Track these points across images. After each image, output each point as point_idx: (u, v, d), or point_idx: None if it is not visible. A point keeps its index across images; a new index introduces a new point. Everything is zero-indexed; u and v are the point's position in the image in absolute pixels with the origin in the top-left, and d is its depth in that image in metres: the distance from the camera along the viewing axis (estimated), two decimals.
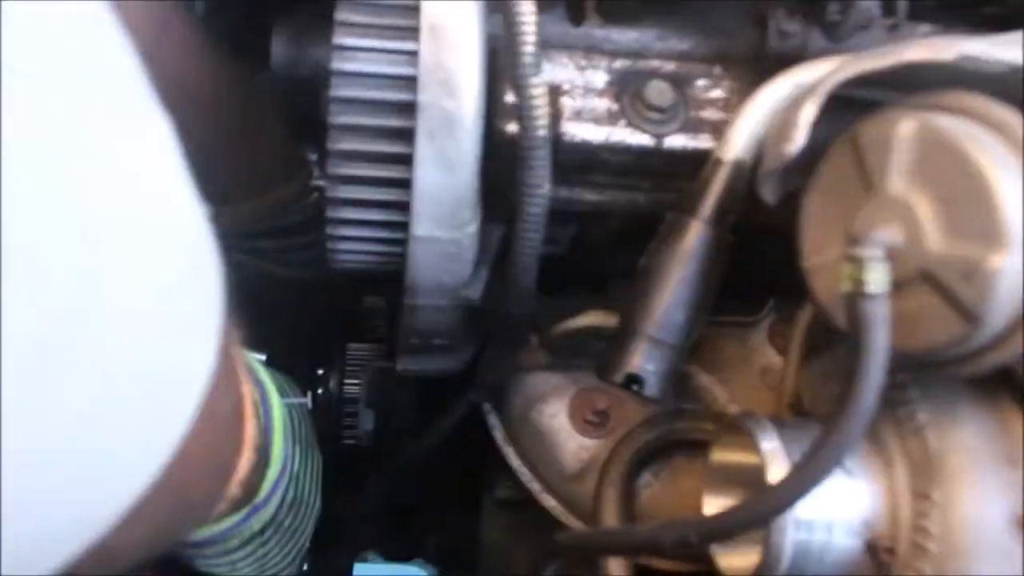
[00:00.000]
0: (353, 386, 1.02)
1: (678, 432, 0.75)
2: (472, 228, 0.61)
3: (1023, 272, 0.45)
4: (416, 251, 0.60)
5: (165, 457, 0.38)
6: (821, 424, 0.59)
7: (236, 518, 0.64)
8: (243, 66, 0.78)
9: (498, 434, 0.83)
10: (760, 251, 0.68)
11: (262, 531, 0.69)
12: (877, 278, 0.46)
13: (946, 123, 0.48)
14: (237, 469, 0.57)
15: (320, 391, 1.03)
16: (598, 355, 0.79)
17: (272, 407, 0.66)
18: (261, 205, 0.82)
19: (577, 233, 0.72)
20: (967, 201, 0.45)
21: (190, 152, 0.37)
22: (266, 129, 0.84)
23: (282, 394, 0.70)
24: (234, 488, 0.58)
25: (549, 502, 0.82)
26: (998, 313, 0.46)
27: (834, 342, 0.68)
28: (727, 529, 0.49)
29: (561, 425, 0.79)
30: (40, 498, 0.32)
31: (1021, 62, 0.49)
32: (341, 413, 1.02)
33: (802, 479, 0.47)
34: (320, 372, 1.02)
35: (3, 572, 0.31)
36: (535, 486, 0.82)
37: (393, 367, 0.74)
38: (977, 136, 0.47)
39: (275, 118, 0.84)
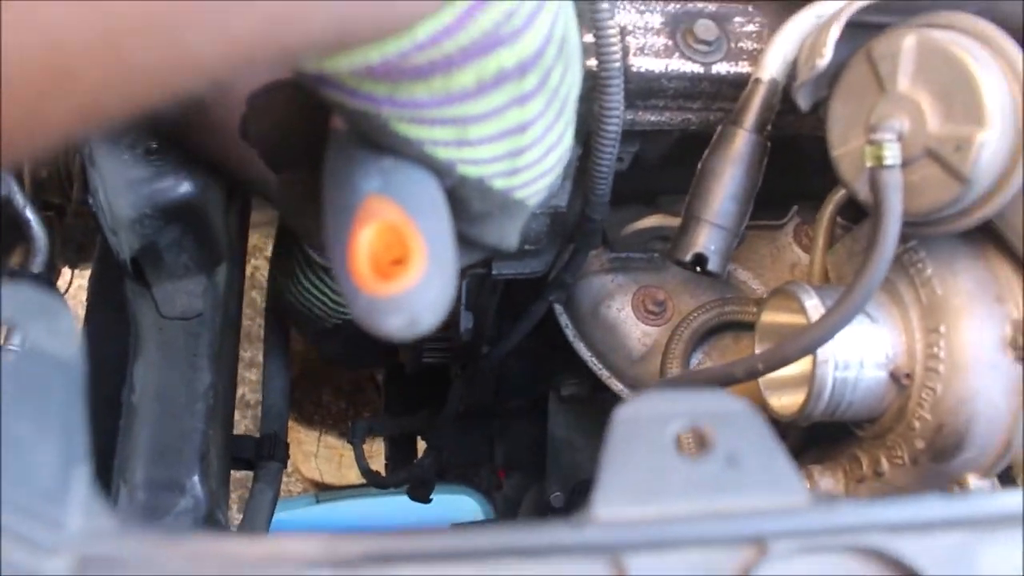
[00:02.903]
0: None
1: (727, 314, 0.91)
2: None
3: (1000, 144, 0.60)
4: None
5: None
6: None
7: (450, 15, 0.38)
8: None
9: (569, 331, 0.98)
10: (785, 165, 0.82)
11: (521, 73, 0.42)
12: (892, 153, 0.61)
13: (940, 35, 0.62)
14: None
15: None
16: (660, 251, 0.95)
17: None
18: None
19: (636, 152, 0.87)
20: (958, 92, 0.60)
21: None
22: None
23: None
24: None
25: (617, 386, 0.97)
26: (984, 176, 0.61)
27: (854, 228, 0.83)
28: (786, 356, 0.64)
29: (627, 316, 0.94)
30: None
31: None
32: (423, 337, 1.17)
33: (843, 311, 0.62)
34: None
35: None
36: (604, 373, 0.97)
37: (487, 273, 0.89)
38: (965, 44, 0.61)
39: None
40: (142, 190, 0.94)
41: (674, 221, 0.89)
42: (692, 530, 0.35)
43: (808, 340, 0.63)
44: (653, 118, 0.81)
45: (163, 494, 0.90)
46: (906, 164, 0.62)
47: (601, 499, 0.35)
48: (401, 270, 0.40)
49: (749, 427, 0.37)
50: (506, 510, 1.38)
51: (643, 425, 0.37)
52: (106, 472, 0.90)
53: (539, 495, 1.25)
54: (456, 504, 1.94)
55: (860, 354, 0.72)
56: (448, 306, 0.42)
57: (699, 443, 0.37)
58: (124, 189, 0.93)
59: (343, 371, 1.96)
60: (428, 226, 0.42)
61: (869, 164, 0.62)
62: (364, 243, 0.41)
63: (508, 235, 0.50)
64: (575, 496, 1.17)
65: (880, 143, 0.61)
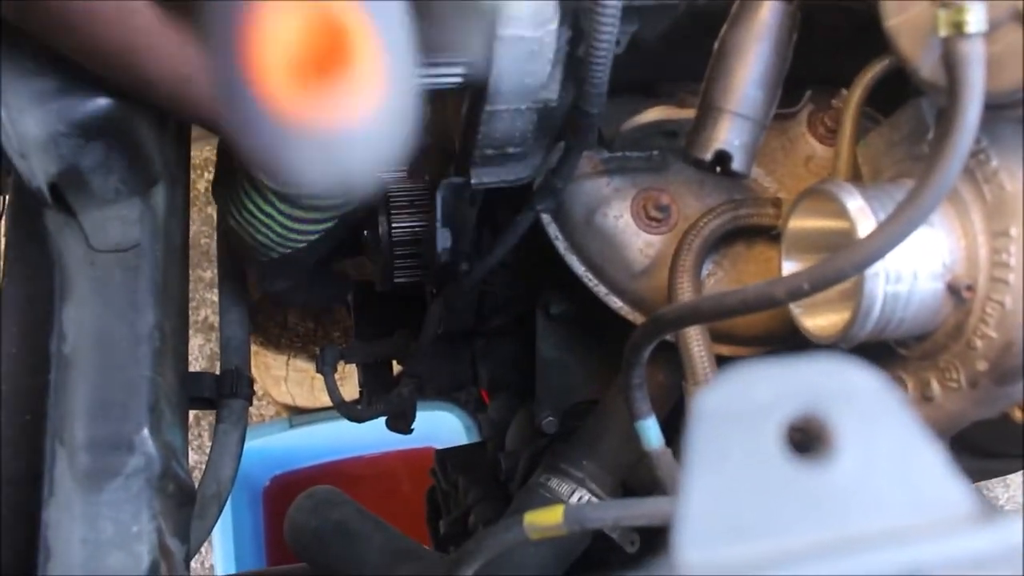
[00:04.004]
0: (401, 227, 1.05)
1: (742, 218, 0.79)
2: (553, 26, 0.62)
3: None
4: (501, 52, 0.62)
5: None
6: (893, 183, 0.63)
7: None
8: None
9: (560, 243, 0.86)
10: (797, 44, 0.70)
11: None
12: (977, 17, 0.49)
13: None
14: None
15: (367, 232, 1.06)
16: (662, 149, 0.83)
17: None
18: None
19: (634, 33, 0.74)
20: None
21: None
22: None
23: None
24: None
25: (615, 303, 0.86)
26: None
27: (892, 115, 0.71)
28: (839, 272, 0.53)
29: (626, 224, 0.83)
30: None
31: None
32: (392, 254, 1.05)
33: (909, 215, 0.51)
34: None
35: None
36: (601, 289, 0.86)
37: (465, 183, 0.77)
38: None
39: None
40: (52, 104, 0.79)
41: (679, 113, 0.77)
42: (817, 570, 0.24)
43: (867, 252, 0.52)
44: None
45: (109, 454, 0.79)
46: (987, 32, 0.50)
47: (688, 536, 0.24)
48: (337, 80, 0.24)
49: (885, 412, 0.26)
50: (492, 433, 1.29)
51: (737, 419, 0.25)
52: (37, 434, 0.79)
53: (528, 418, 1.16)
54: (438, 422, 1.86)
55: (914, 264, 0.61)
56: (402, 153, 0.27)
57: (816, 438, 0.26)
58: (29, 104, 0.79)
59: None
60: (381, 16, 0.26)
61: (944, 33, 0.50)
62: (276, 26, 0.24)
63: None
64: (567, 420, 1.07)
65: (960, 6, 0.49)
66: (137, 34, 0.71)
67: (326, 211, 0.90)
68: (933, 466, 0.25)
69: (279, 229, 0.92)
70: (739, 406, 0.25)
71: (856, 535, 0.24)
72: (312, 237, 0.91)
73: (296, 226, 0.91)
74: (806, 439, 0.27)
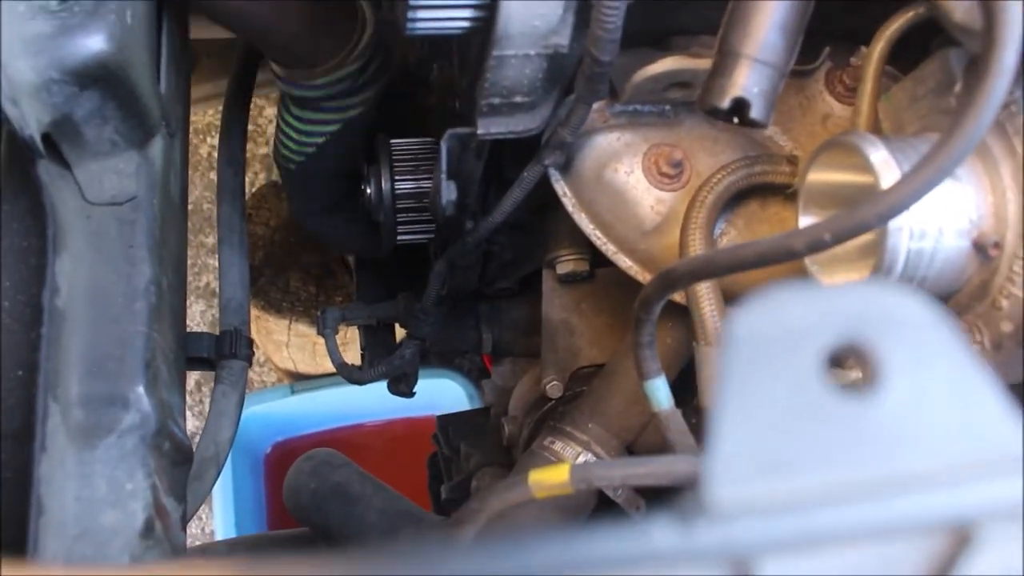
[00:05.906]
0: (405, 183, 1.03)
1: (756, 175, 0.77)
2: None
3: None
4: None
5: None
6: (919, 136, 0.60)
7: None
8: None
9: (568, 200, 0.84)
10: None
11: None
12: None
13: None
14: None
15: (370, 190, 1.03)
16: (675, 102, 0.80)
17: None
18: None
19: None
20: None
21: None
22: None
23: None
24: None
25: (625, 262, 0.84)
26: None
27: (916, 69, 0.69)
28: (862, 223, 0.51)
29: (638, 181, 0.80)
30: None
31: None
32: (395, 210, 1.03)
33: (939, 163, 0.48)
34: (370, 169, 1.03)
35: None
36: (610, 248, 0.84)
37: (471, 133, 0.74)
38: None
39: None
40: (45, 49, 0.77)
41: (694, 63, 0.74)
42: (857, 516, 0.22)
43: (892, 202, 0.50)
44: None
45: (103, 410, 0.77)
46: None
47: (719, 473, 0.21)
48: None
49: (937, 342, 0.24)
50: (496, 399, 1.27)
51: (774, 345, 0.23)
52: (32, 389, 0.77)
53: (533, 383, 1.14)
54: (440, 390, 1.84)
55: (939, 220, 0.58)
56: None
57: (861, 370, 0.24)
58: (22, 49, 0.76)
59: (311, 254, 1.82)
60: None
61: None
62: None
63: None
64: (573, 383, 1.05)
65: None
66: None
67: (331, 113, 1.00)
68: (988, 403, 0.23)
69: (295, 135, 1.03)
70: (776, 331, 0.23)
71: (904, 474, 0.22)
72: (319, 139, 1.02)
73: (307, 127, 1.02)
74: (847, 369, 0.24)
